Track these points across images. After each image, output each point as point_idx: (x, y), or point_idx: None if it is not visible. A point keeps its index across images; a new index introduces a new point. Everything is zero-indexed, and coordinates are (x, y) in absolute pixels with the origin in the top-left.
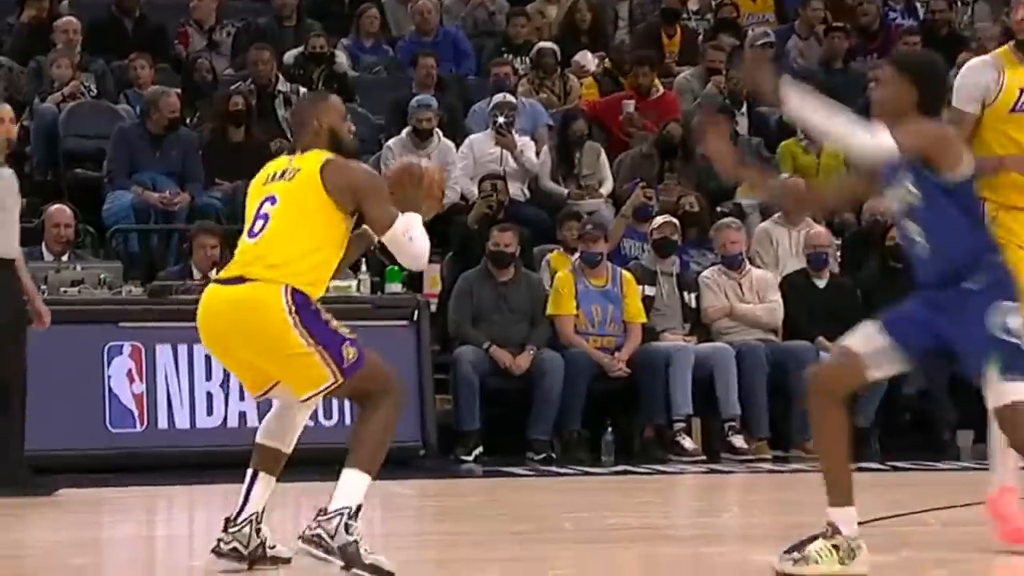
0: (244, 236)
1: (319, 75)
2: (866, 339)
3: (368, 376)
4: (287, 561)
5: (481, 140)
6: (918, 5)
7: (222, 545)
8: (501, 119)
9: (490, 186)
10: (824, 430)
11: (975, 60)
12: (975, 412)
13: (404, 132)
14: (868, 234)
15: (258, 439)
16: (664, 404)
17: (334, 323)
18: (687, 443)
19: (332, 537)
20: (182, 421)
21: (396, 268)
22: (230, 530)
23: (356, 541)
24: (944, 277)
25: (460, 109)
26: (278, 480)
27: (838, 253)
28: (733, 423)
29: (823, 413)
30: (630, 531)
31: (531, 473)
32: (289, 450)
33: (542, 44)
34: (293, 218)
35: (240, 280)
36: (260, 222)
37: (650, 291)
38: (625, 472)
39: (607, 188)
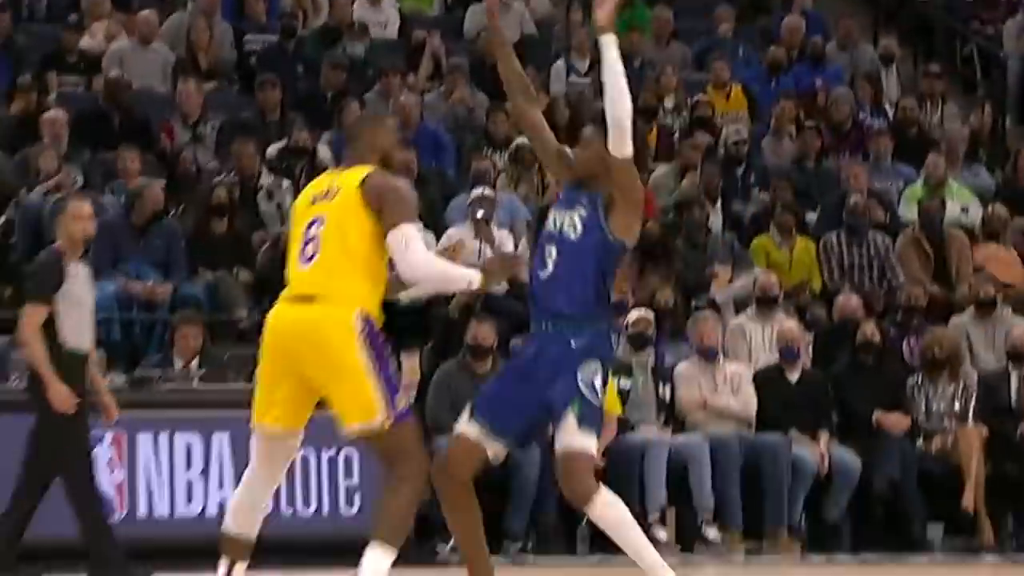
0: (296, 259)
1: (301, 168)
2: (470, 423)
3: (410, 436)
4: None
5: (460, 233)
6: (887, 106)
7: None
8: (480, 213)
9: None
10: (453, 514)
11: None
12: (946, 506)
13: None
14: (839, 330)
15: (227, 530)
16: (639, 495)
17: (395, 367)
18: (661, 534)
19: None
20: (162, 510)
21: None
22: None
23: None
24: (554, 314)
25: (440, 202)
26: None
27: (810, 348)
28: (707, 514)
29: (451, 500)
30: None
31: (507, 562)
32: (255, 533)
33: (520, 139)
34: (344, 241)
35: (310, 299)
36: (311, 246)
37: (625, 384)
38: (599, 563)
39: None
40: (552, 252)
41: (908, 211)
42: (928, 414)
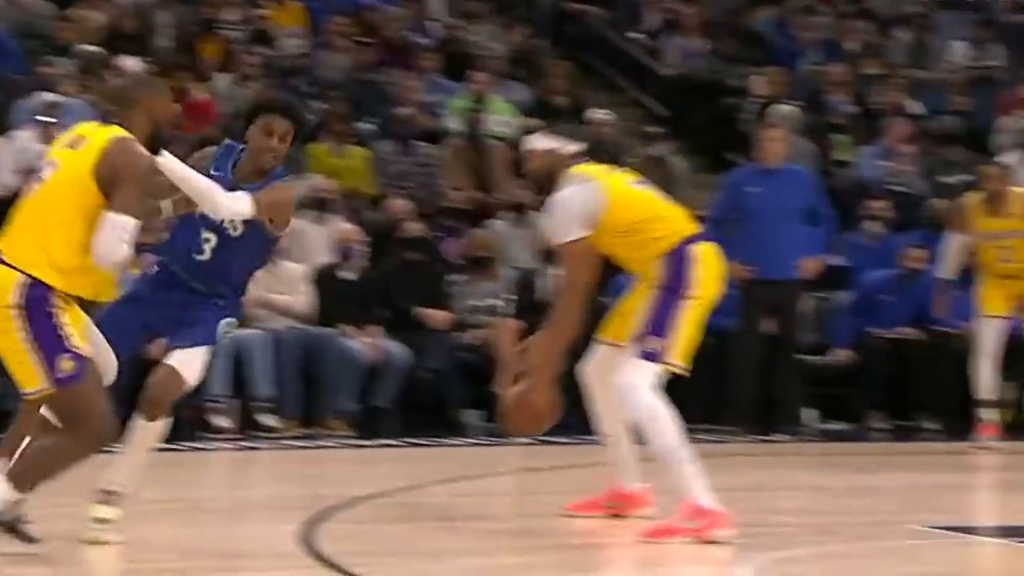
0: (23, 199)
1: None
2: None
3: (76, 400)
4: None
5: (25, 136)
6: (435, 24)
7: None
8: (45, 116)
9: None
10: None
11: None
12: (485, 394)
13: None
14: (389, 232)
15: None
16: (201, 385)
17: (67, 330)
18: (222, 422)
19: None
20: None
21: None
22: None
23: None
24: (205, 289)
25: (6, 106)
26: None
27: (363, 248)
28: (267, 403)
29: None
30: (164, 504)
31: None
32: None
33: (86, 47)
34: (61, 192)
35: None
36: (36, 186)
37: None
38: (161, 449)
39: None
40: (209, 240)
41: (453, 123)
42: (469, 309)
